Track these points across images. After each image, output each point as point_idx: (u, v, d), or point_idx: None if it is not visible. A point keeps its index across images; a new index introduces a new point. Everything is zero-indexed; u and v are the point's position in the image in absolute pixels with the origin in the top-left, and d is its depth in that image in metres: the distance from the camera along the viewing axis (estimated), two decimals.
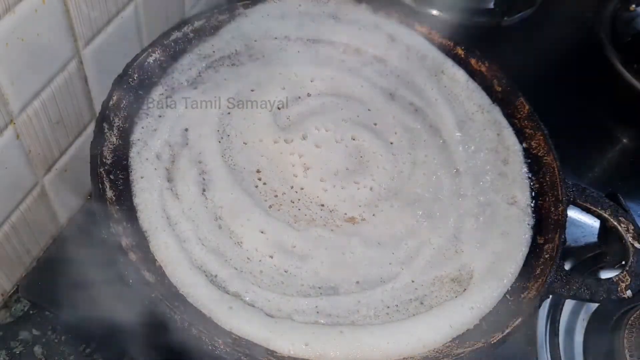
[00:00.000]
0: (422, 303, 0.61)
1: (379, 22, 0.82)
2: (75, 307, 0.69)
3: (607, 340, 0.69)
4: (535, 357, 0.71)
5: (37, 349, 0.69)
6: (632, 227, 0.68)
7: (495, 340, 0.58)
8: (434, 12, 0.99)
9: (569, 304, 0.75)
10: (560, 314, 0.73)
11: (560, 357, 0.69)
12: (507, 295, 0.62)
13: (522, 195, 0.70)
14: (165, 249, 0.59)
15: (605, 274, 0.75)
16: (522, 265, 0.64)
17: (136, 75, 0.69)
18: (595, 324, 0.73)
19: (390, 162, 0.71)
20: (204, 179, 0.65)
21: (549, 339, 0.71)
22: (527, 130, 0.75)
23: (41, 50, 0.61)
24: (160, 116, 0.68)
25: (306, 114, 0.73)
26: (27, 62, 0.59)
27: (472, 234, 0.66)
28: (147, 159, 0.64)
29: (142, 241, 0.59)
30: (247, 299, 0.58)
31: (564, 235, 0.65)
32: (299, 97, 0.74)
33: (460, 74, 0.80)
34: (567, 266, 0.74)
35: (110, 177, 0.62)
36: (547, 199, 0.70)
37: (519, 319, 0.59)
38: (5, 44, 0.55)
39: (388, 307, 0.60)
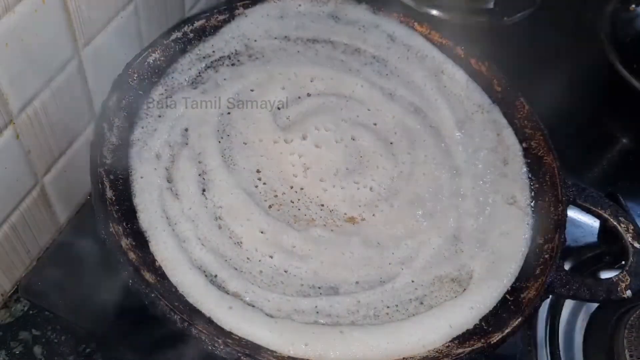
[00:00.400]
0: (422, 303, 0.61)
1: (379, 22, 0.82)
2: (75, 307, 0.69)
3: (607, 340, 0.69)
4: (535, 357, 0.71)
5: (37, 349, 0.69)
6: (632, 227, 0.68)
7: (495, 340, 0.58)
8: (434, 12, 0.99)
9: (568, 304, 0.75)
10: (560, 314, 0.73)
11: (560, 357, 0.69)
12: (507, 295, 0.62)
13: (522, 195, 0.70)
14: (165, 249, 0.59)
15: (605, 274, 0.75)
16: (521, 265, 0.64)
17: (136, 75, 0.69)
18: (595, 324, 0.73)
19: (390, 162, 0.71)
20: (203, 179, 0.65)
21: (549, 339, 0.71)
22: (527, 130, 0.75)
23: (41, 51, 0.61)
24: (160, 116, 0.68)
25: (306, 113, 0.73)
26: (27, 62, 0.59)
27: (471, 234, 0.66)
28: (147, 159, 0.64)
29: (142, 241, 0.59)
30: (247, 299, 0.58)
31: (563, 235, 0.65)
32: (299, 97, 0.74)
33: (460, 74, 0.80)
34: (566, 266, 0.74)
35: (110, 177, 0.62)
36: (547, 199, 0.70)
37: (519, 319, 0.59)
38: (5, 44, 0.55)
39: (388, 307, 0.60)
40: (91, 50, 0.69)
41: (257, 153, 0.69)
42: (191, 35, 0.75)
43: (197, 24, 0.75)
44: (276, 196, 0.66)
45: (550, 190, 0.70)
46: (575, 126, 0.94)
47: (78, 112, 0.72)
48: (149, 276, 0.56)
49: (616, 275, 0.64)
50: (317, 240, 0.63)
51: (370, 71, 0.78)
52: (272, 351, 0.55)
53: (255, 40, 0.78)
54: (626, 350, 0.67)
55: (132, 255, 0.57)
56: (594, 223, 0.80)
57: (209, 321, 0.55)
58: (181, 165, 0.65)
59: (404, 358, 0.57)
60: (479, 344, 0.57)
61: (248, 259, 0.61)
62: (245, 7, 0.79)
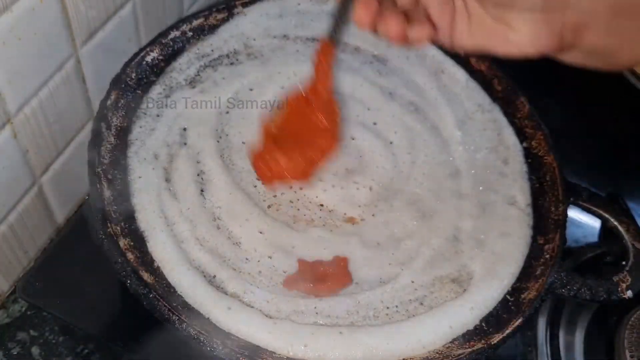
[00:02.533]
0: (421, 304, 0.60)
1: None
2: (73, 308, 0.69)
3: (608, 340, 0.69)
4: (535, 358, 0.71)
5: (35, 350, 0.69)
6: (633, 227, 0.68)
7: (495, 341, 0.58)
8: None
9: (569, 304, 0.74)
10: (561, 314, 0.73)
11: (560, 358, 0.69)
12: (507, 296, 0.62)
13: (523, 196, 0.70)
14: (163, 249, 0.59)
15: (605, 274, 0.75)
16: (522, 265, 0.64)
17: (134, 75, 0.69)
18: (595, 324, 0.73)
19: (389, 162, 0.71)
20: (202, 178, 0.65)
21: (550, 340, 0.71)
22: (528, 130, 0.75)
23: (38, 50, 0.60)
24: (158, 115, 0.68)
25: None
26: (24, 62, 0.59)
27: (472, 234, 0.66)
28: (145, 159, 0.64)
29: (140, 241, 0.59)
30: (246, 299, 0.57)
31: (564, 235, 0.65)
32: None
33: (460, 73, 0.79)
34: (567, 266, 0.73)
35: (108, 177, 0.61)
36: (547, 199, 0.69)
37: (519, 320, 0.59)
38: (2, 42, 0.55)
39: (388, 307, 0.60)
40: (89, 49, 0.69)
41: None
42: (190, 34, 0.75)
43: (196, 22, 0.75)
44: (275, 196, 0.66)
45: (551, 190, 0.70)
46: (575, 126, 0.93)
47: (76, 112, 0.72)
48: (147, 276, 0.56)
49: (617, 275, 0.64)
50: (317, 241, 0.63)
51: (370, 70, 0.78)
52: (271, 352, 0.54)
53: (254, 39, 0.77)
54: (627, 351, 0.67)
55: (130, 255, 0.57)
56: (594, 223, 0.79)
57: (208, 322, 0.55)
58: (179, 165, 0.65)
59: (403, 359, 0.56)
60: (480, 345, 0.57)
61: (247, 259, 0.61)
62: (244, 5, 0.79)
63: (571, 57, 0.48)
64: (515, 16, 0.46)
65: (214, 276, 0.58)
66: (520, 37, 0.47)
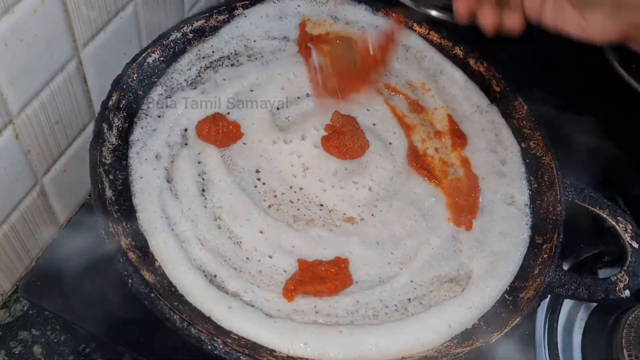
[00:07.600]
0: (421, 303, 0.61)
1: (378, 22, 0.83)
2: (74, 307, 0.69)
3: (606, 339, 0.69)
4: (533, 357, 0.71)
5: (37, 349, 0.69)
6: (630, 227, 0.68)
7: (493, 340, 0.58)
8: (433, 12, 1.00)
9: (567, 304, 0.75)
10: (559, 313, 0.73)
11: (558, 357, 0.69)
12: (506, 295, 0.63)
13: (521, 195, 0.70)
14: (164, 249, 0.59)
15: (603, 274, 0.75)
16: (520, 264, 0.65)
17: (135, 76, 0.69)
18: (593, 323, 0.73)
19: (389, 163, 0.71)
20: (203, 179, 0.65)
21: (548, 339, 0.71)
22: (526, 131, 0.75)
23: (40, 51, 0.61)
24: (159, 116, 0.68)
25: (305, 114, 0.73)
26: (26, 63, 0.60)
27: (470, 234, 0.67)
28: (146, 159, 0.64)
29: (141, 241, 0.59)
30: (247, 298, 0.58)
31: (562, 235, 0.66)
32: (298, 97, 0.75)
33: (458, 75, 0.80)
34: (565, 266, 0.74)
35: (109, 177, 0.62)
36: (545, 198, 0.70)
37: (518, 319, 0.59)
38: (5, 44, 0.56)
39: (387, 306, 0.60)
40: (91, 51, 0.69)
41: (256, 153, 0.69)
42: (190, 35, 0.75)
43: (197, 24, 0.76)
44: (275, 196, 0.66)
45: (549, 190, 0.70)
46: (573, 126, 0.94)
47: (77, 112, 0.72)
48: (148, 276, 0.56)
49: (614, 275, 0.64)
50: (317, 240, 0.63)
51: None
52: (271, 350, 0.55)
53: (254, 41, 0.78)
54: (624, 350, 0.67)
55: (131, 255, 0.57)
56: (592, 223, 0.80)
57: (209, 321, 0.55)
58: (181, 166, 0.65)
59: (402, 357, 0.57)
60: (478, 344, 0.58)
61: (247, 258, 0.61)
62: (245, 7, 0.79)
63: (637, 46, 0.58)
64: (588, 9, 0.57)
65: (215, 275, 0.59)
66: (590, 26, 0.58)
